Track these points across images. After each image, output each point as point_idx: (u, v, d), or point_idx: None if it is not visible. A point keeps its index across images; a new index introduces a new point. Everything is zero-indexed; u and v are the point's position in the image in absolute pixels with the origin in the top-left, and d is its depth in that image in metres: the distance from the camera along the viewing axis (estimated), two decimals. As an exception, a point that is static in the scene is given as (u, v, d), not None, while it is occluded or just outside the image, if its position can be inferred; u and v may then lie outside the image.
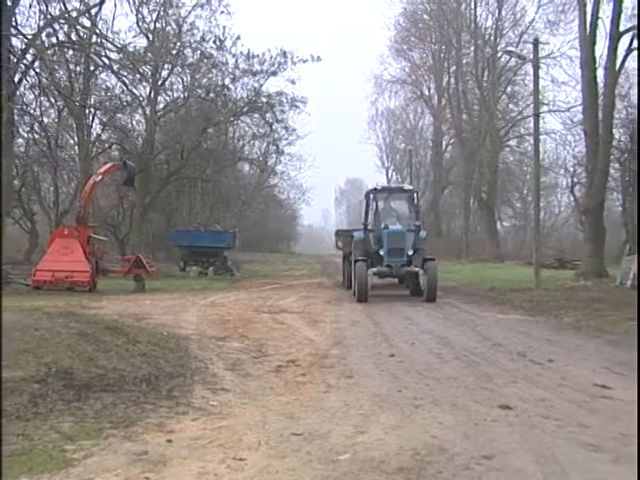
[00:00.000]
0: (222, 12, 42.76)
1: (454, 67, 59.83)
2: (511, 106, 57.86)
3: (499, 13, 54.91)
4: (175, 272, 38.19)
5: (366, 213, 26.36)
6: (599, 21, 32.23)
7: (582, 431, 7.75)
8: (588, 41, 31.96)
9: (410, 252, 24.05)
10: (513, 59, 48.00)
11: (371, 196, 26.16)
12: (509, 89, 56.61)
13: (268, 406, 8.74)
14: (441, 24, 57.32)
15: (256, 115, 48.59)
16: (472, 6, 56.12)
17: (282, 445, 7.09)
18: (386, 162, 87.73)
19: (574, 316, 18.43)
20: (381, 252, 24.10)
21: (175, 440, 7.09)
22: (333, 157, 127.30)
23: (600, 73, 32.38)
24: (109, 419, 7.70)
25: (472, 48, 56.67)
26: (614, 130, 33.93)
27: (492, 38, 55.45)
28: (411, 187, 29.11)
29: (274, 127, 48.92)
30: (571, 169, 49.39)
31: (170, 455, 6.63)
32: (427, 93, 66.37)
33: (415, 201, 26.35)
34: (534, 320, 17.76)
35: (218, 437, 7.20)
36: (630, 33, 31.63)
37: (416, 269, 23.83)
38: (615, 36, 31.26)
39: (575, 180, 46.85)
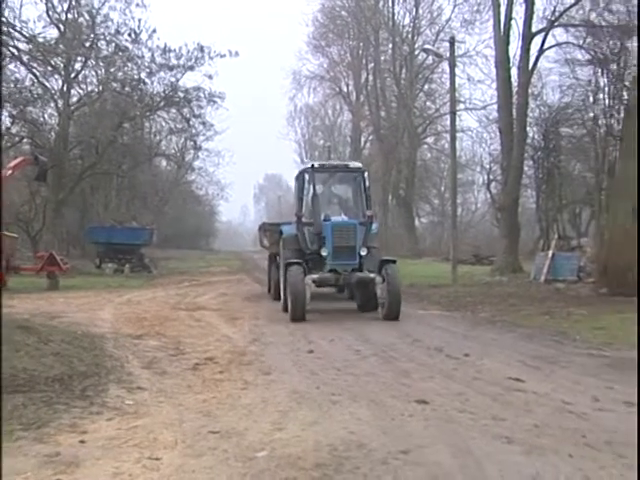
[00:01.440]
0: (137, 5, 41.82)
1: (372, 64, 60.14)
2: (428, 104, 58.56)
3: (416, 11, 55.46)
4: (90, 269, 37.47)
5: (299, 200, 19.73)
6: (512, 22, 32.96)
7: (496, 424, 7.86)
8: (502, 41, 32.55)
9: (363, 252, 17.92)
10: (430, 57, 48.70)
11: (306, 177, 19.46)
12: (426, 87, 57.26)
13: (185, 404, 8.67)
14: (359, 21, 57.60)
15: (173, 110, 47.95)
16: (390, 4, 56.58)
17: (199, 443, 7.03)
18: (305, 158, 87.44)
19: (490, 311, 18.79)
20: (323, 252, 17.94)
21: (89, 441, 6.93)
22: (252, 153, 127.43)
23: (514, 72, 32.98)
24: (19, 421, 7.50)
25: (390, 46, 57.10)
26: (528, 128, 34.51)
27: (410, 36, 55.97)
28: (359, 165, 20.79)
29: (191, 122, 48.38)
30: (487, 166, 50.24)
31: (83, 456, 6.47)
32: (346, 90, 66.62)
33: (365, 184, 19.48)
34: (452, 315, 18.08)
35: (133, 437, 7.07)
36: (542, 34, 32.27)
37: (372, 275, 17.57)
38: (528, 36, 31.98)
39: (491, 177, 47.61)
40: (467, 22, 44.72)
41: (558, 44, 32.77)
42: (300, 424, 7.87)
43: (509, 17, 32.74)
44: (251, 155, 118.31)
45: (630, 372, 11.00)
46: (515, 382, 9.99)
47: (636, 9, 27.69)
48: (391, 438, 7.35)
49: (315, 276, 17.86)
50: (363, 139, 68.73)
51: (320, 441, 7.18)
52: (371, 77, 61.11)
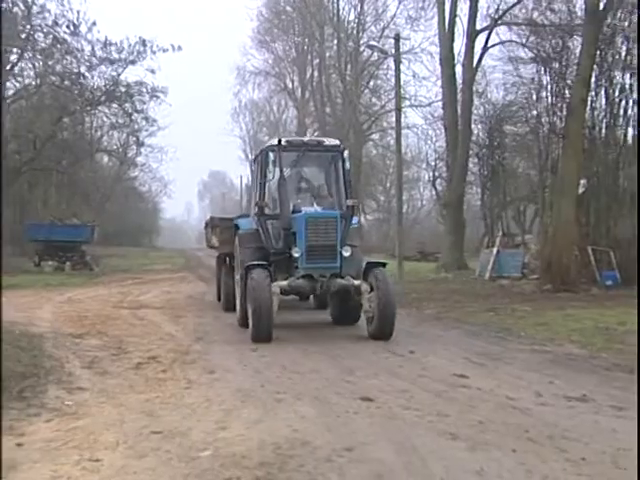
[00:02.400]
0: (76, -5, 41.21)
1: (317, 60, 60.22)
2: (374, 100, 58.69)
3: (361, 7, 55.56)
4: (29, 268, 36.99)
5: (261, 186, 15.63)
6: (457, 19, 33.52)
7: (441, 420, 7.96)
8: (447, 38, 33.03)
9: (346, 252, 14.21)
10: (375, 54, 48.75)
11: (270, 157, 15.32)
12: (372, 83, 57.40)
13: (127, 404, 8.61)
14: (304, 17, 57.56)
15: (115, 105, 47.26)
16: (334, 0, 56.60)
17: (141, 444, 6.99)
18: (250, 154, 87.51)
19: (435, 308, 19.01)
20: (294, 253, 14.17)
21: (26, 443, 6.86)
22: (196, 149, 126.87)
23: (459, 70, 33.37)
24: (-47, 424, 7.30)
25: (335, 42, 57.13)
26: (472, 126, 34.90)
27: (355, 32, 56.06)
28: (336, 142, 16.66)
29: (134, 117, 47.54)
30: (432, 163, 50.43)
31: (20, 459, 6.39)
32: (291, 86, 66.66)
33: (344, 166, 15.79)
34: (397, 312, 18.17)
35: (73, 438, 7.01)
36: (486, 32, 32.76)
37: (356, 282, 14.04)
38: (472, 34, 32.52)
39: (436, 174, 47.90)
40: (412, 19, 45.12)
41: (502, 42, 33.15)
42: (244, 423, 7.89)
43: (453, 14, 33.25)
44: (195, 151, 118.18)
45: (570, 367, 11.28)
46: (460, 378, 10.16)
47: (577, 9, 28.30)
48: (335, 435, 7.40)
49: (284, 283, 14.08)
50: (309, 134, 68.70)
51: (264, 440, 7.19)
52: (316, 73, 61.17)
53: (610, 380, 10.28)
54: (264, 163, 15.61)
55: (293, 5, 58.89)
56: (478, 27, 32.66)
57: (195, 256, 56.15)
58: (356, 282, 14.08)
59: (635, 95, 27.39)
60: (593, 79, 26.67)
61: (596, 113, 27.85)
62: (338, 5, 56.71)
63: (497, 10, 32.51)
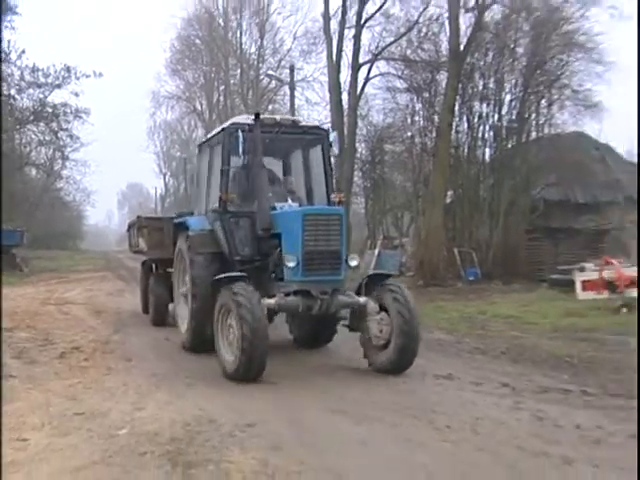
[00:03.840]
0: (6, 27, 40.39)
1: (223, 86, 59.90)
2: (272, 121, 58.56)
3: (261, 42, 55.52)
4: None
5: (223, 175, 11.15)
6: (343, 53, 33.62)
7: (330, 398, 8.20)
8: (334, 70, 33.20)
9: (353, 261, 10.29)
10: (273, 82, 48.95)
11: (239, 138, 10.51)
12: (270, 107, 57.29)
13: (52, 390, 8.52)
14: (211, 49, 57.26)
15: (42, 124, 46.61)
16: (238, 35, 56.59)
17: (64, 424, 6.96)
18: (163, 168, 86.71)
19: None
20: (289, 262, 9.69)
21: (-41, 426, 6.67)
22: (117, 162, 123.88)
23: (345, 97, 33.56)
24: None
25: (238, 71, 57.01)
26: (357, 145, 35.21)
27: (255, 63, 55.95)
28: (316, 123, 13.28)
29: (59, 135, 47.24)
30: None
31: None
32: (200, 108, 65.95)
33: (326, 153, 11.46)
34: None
35: (3, 421, 6.84)
36: (367, 65, 33.21)
37: (361, 300, 9.95)
38: (355, 67, 32.80)
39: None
40: (305, 52, 45.08)
41: (381, 74, 33.53)
42: (157, 404, 7.92)
43: (340, 50, 33.44)
44: (116, 164, 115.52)
45: (439, 351, 11.68)
46: (348, 362, 10.49)
47: (442, 49, 29.06)
48: (238, 414, 7.47)
49: (271, 301, 9.66)
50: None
51: (175, 419, 7.24)
52: (222, 98, 60.83)
53: (471, 361, 10.70)
54: (229, 146, 10.97)
55: (202, 39, 58.35)
56: (361, 61, 32.94)
57: (115, 258, 55.22)
58: (361, 300, 9.87)
59: (491, 121, 28.40)
60: (457, 107, 27.60)
61: (460, 135, 28.75)
62: (241, 39, 56.73)
63: (377, 47, 32.89)
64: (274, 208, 10.58)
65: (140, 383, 9.01)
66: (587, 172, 27.57)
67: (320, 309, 9.76)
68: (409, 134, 32.49)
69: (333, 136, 11.32)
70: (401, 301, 9.55)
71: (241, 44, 56.78)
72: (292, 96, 33.00)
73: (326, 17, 34.26)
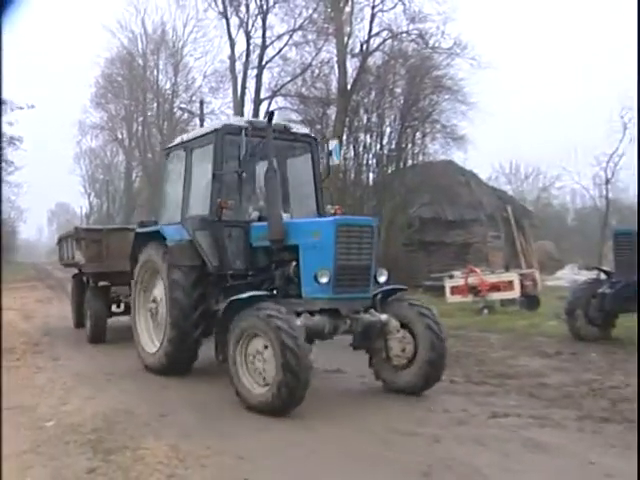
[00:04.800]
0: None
1: (142, 118, 59.09)
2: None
3: (175, 79, 55.05)
4: None
5: (216, 183, 9.13)
6: (246, 90, 33.71)
7: (232, 389, 7.94)
8: (238, 104, 33.38)
9: (382, 277, 8.43)
10: (186, 114, 48.46)
11: (232, 140, 9.10)
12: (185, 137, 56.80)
13: (-15, 388, 8.20)
14: (131, 85, 56.52)
15: (-23, 150, 44.73)
16: (155, 73, 56.23)
17: (-4, 418, 6.69)
18: (88, 189, 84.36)
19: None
20: (321, 279, 7.72)
21: None
22: (47, 183, 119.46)
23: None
24: None
25: (155, 104, 56.48)
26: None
27: (170, 97, 55.44)
28: (306, 130, 11.30)
29: (-5, 161, 45.22)
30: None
31: None
32: (121, 137, 64.69)
33: (316, 162, 10.02)
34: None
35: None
36: (268, 100, 33.21)
37: (382, 317, 8.19)
38: (257, 102, 32.89)
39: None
40: (214, 89, 44.49)
41: (280, 108, 33.39)
42: (81, 398, 7.80)
43: (244, 87, 33.68)
44: (46, 185, 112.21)
45: (329, 347, 11.61)
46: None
47: (332, 87, 29.36)
48: (152, 405, 7.43)
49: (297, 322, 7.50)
50: (134, 174, 67.14)
51: (96, 411, 7.12)
52: (140, 128, 59.92)
53: (357, 356, 10.65)
54: (222, 148, 9.12)
55: (123, 76, 57.42)
56: (262, 97, 33.10)
57: (44, 269, 53.50)
58: (382, 317, 8.16)
59: (373, 150, 28.75)
60: (345, 138, 27.77)
61: (347, 162, 28.86)
62: (157, 77, 56.25)
63: (276, 85, 32.94)
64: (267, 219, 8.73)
65: (66, 380, 8.87)
66: (455, 194, 28.21)
67: (346, 330, 8.09)
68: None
69: (333, 145, 9.73)
70: (429, 315, 8.14)
71: (158, 81, 56.30)
72: (202, 127, 32.65)
73: (232, 59, 34.66)
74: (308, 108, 30.65)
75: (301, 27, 31.47)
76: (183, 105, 47.02)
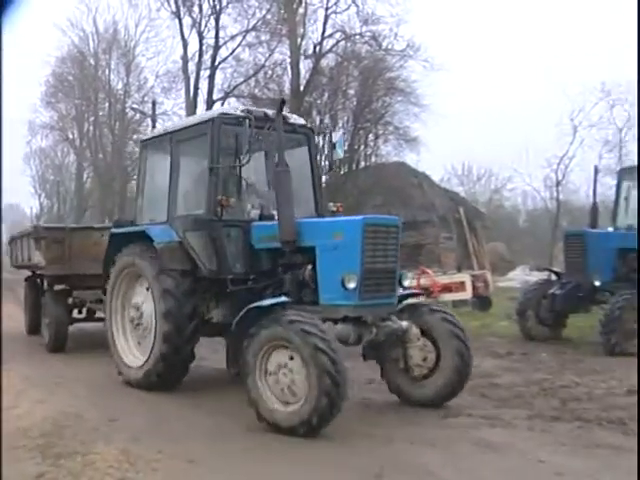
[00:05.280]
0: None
1: (93, 118, 58.11)
2: (136, 149, 57.10)
3: (127, 79, 54.27)
4: None
5: (213, 178, 8.14)
6: (199, 91, 33.54)
7: (190, 395, 8.08)
8: (191, 105, 33.21)
9: (407, 280, 8.25)
10: (138, 114, 47.82)
11: (229, 130, 8.16)
12: (135, 136, 55.98)
13: None
14: (82, 84, 55.43)
15: None
16: (107, 73, 55.33)
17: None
18: (38, 190, 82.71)
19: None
20: (349, 284, 6.88)
21: None
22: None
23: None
24: None
25: (107, 104, 55.64)
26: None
27: (122, 97, 54.68)
28: (303, 121, 9.36)
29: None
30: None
31: None
32: (72, 137, 63.59)
33: (313, 154, 9.21)
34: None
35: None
36: (221, 101, 32.82)
37: (404, 324, 7.35)
38: (210, 102, 32.63)
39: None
40: (166, 89, 44.05)
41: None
42: (31, 403, 7.59)
43: (196, 88, 33.50)
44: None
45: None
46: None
47: (285, 89, 29.25)
48: (103, 409, 7.29)
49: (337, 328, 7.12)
50: (85, 175, 66.10)
51: (46, 415, 6.95)
52: (92, 128, 58.94)
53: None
54: (219, 140, 8.15)
55: (74, 75, 56.46)
56: (215, 97, 32.85)
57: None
58: (403, 324, 7.39)
59: (326, 151, 28.60)
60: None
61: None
62: (109, 77, 55.28)
63: (229, 86, 32.85)
64: (268, 217, 8.20)
65: (15, 384, 8.62)
66: (407, 196, 28.36)
67: (375, 338, 7.26)
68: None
69: (338, 136, 8.56)
70: (453, 321, 7.57)
71: (109, 81, 55.30)
72: (154, 127, 32.09)
73: (185, 59, 34.37)
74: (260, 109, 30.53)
75: (254, 28, 31.40)
76: (135, 105, 46.34)
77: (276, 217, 7.63)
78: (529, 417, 7.15)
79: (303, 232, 7.38)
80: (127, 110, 53.09)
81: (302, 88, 27.49)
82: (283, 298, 6.93)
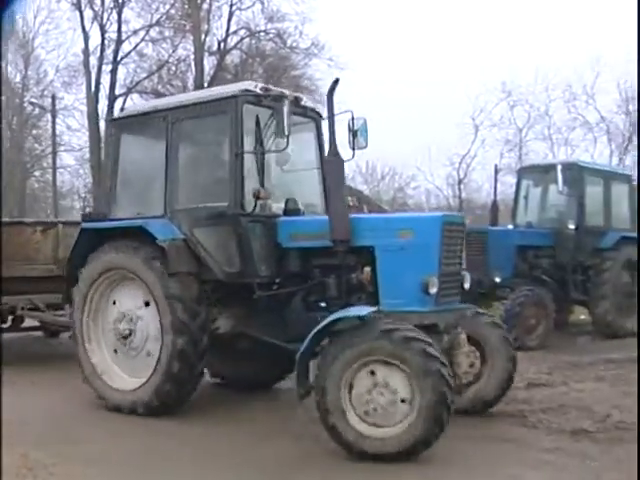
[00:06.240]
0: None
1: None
2: (36, 145, 55.18)
3: (26, 72, 52.06)
4: None
5: (236, 166, 6.79)
6: (101, 86, 32.60)
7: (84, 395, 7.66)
8: (92, 100, 32.13)
9: (467, 282, 6.85)
10: (37, 109, 45.97)
11: (284, 110, 6.46)
12: (34, 132, 53.94)
13: None
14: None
15: None
16: (3, 64, 52.91)
17: None
18: None
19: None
20: (431, 289, 6.03)
21: None
22: None
23: (102, 124, 32.43)
24: None
25: (4, 97, 53.27)
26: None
27: (20, 91, 52.49)
28: (312, 104, 8.07)
29: None
30: (83, 195, 49.12)
31: None
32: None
33: (321, 141, 7.71)
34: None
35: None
36: (123, 97, 32.30)
37: (458, 329, 6.45)
38: (112, 98, 31.90)
39: (86, 204, 46.35)
40: (66, 83, 42.64)
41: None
42: None
43: (98, 82, 32.50)
44: None
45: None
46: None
47: (189, 85, 28.80)
48: (4, 413, 6.40)
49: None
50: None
51: None
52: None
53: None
54: (242, 121, 6.90)
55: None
56: (117, 93, 32.06)
57: None
58: (458, 329, 6.55)
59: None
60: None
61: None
62: (7, 69, 52.98)
63: (132, 81, 32.23)
64: (291, 212, 7.19)
65: None
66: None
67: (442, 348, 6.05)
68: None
69: (361, 124, 7.38)
70: (502, 326, 7.09)
71: (7, 72, 52.87)
72: (54, 123, 31.32)
73: (86, 53, 33.27)
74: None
75: (158, 23, 30.80)
76: (34, 100, 44.29)
77: (275, 208, 7.07)
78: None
79: (358, 230, 6.43)
80: (25, 104, 51.03)
81: (206, 85, 27.05)
82: (369, 307, 5.87)
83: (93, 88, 32.44)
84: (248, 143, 6.88)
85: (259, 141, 6.78)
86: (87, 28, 33.18)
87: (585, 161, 15.49)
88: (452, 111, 65.37)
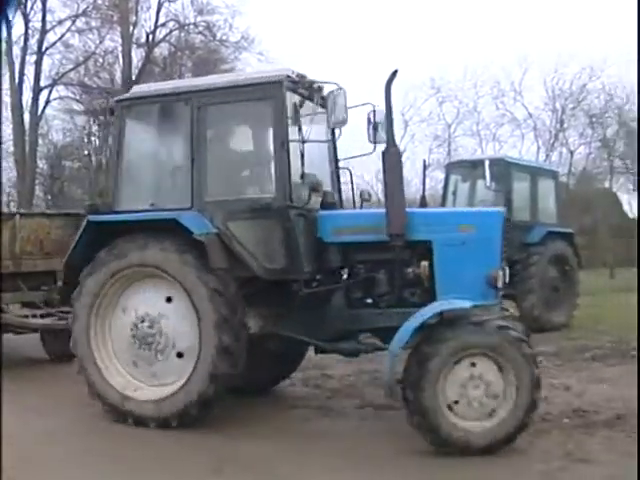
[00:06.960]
0: None
1: None
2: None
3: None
4: None
5: (283, 155, 6.40)
6: (25, 77, 31.38)
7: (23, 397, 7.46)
8: (16, 92, 30.88)
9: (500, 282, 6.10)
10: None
11: (340, 99, 6.21)
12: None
13: None
14: None
15: None
16: None
17: None
18: None
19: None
20: (500, 283, 6.10)
21: None
22: None
23: (27, 117, 31.30)
24: None
25: None
26: (38, 161, 32.99)
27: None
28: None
29: None
30: (7, 190, 47.42)
31: None
32: None
33: (334, 131, 7.38)
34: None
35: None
36: (49, 88, 31.17)
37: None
38: (36, 90, 30.69)
39: (10, 198, 44.73)
40: (-14, 74, 41.45)
41: (60, 97, 31.94)
42: None
43: (22, 74, 31.29)
44: None
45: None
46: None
47: (117, 78, 28.15)
48: None
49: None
50: None
51: None
52: None
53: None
54: (285, 107, 6.48)
55: None
56: (43, 84, 30.93)
57: None
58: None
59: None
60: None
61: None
62: None
63: (57, 73, 31.05)
64: (329, 206, 6.89)
65: None
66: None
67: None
68: (86, 152, 31.12)
69: (383, 116, 6.67)
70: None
71: None
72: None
73: (9, 43, 31.64)
74: (91, 98, 29.19)
75: (84, 13, 29.87)
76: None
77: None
78: (360, 406, 7.27)
79: (413, 224, 6.24)
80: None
81: (134, 77, 26.53)
82: (462, 301, 5.64)
83: (17, 79, 31.29)
84: (291, 131, 6.47)
85: (300, 130, 6.47)
86: (10, 17, 32.07)
87: (512, 157, 15.74)
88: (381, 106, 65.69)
